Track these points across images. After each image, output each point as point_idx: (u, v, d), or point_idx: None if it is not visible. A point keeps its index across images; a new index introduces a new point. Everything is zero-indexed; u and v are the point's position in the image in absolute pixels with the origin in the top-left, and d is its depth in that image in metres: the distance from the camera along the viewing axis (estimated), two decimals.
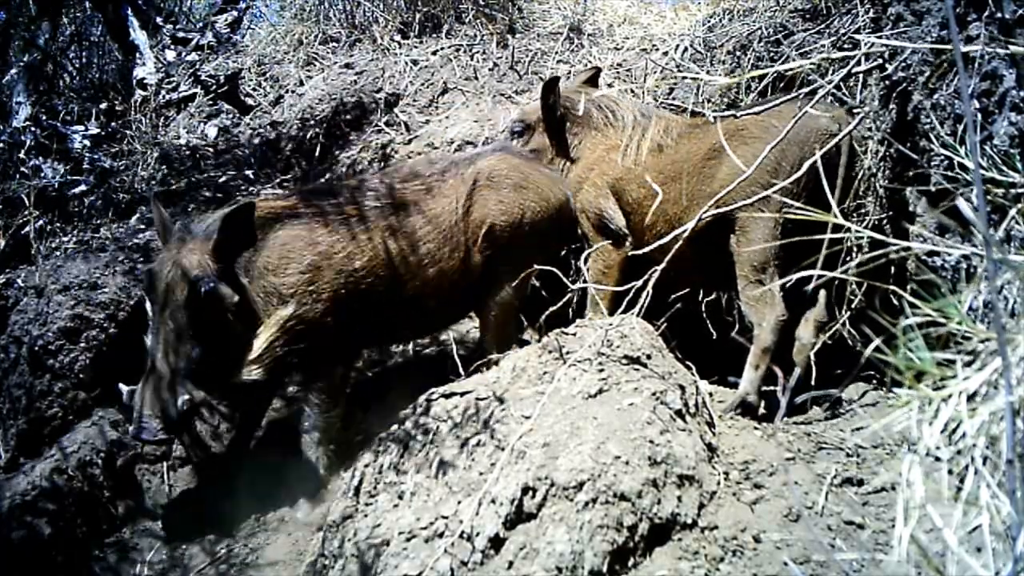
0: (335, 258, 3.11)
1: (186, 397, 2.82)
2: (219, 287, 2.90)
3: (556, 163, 3.75)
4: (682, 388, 2.37)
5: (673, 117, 3.73)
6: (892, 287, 2.11)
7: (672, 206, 3.29)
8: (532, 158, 3.69)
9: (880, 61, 2.99)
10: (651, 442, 2.10)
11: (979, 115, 2.26)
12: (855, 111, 3.28)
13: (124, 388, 2.94)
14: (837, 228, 2.78)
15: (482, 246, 3.38)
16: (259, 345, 2.98)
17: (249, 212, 2.95)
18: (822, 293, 3.13)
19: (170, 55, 5.64)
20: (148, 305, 3.00)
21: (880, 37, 2.77)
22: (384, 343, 3.74)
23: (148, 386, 2.82)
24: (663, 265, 2.75)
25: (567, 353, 2.47)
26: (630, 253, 3.31)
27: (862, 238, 2.91)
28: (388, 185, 3.36)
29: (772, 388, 2.99)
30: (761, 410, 2.98)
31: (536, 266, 3.18)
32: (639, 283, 2.76)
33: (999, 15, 2.20)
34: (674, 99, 4.30)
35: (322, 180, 4.50)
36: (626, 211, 3.48)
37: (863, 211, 3.20)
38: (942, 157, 2.41)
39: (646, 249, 3.01)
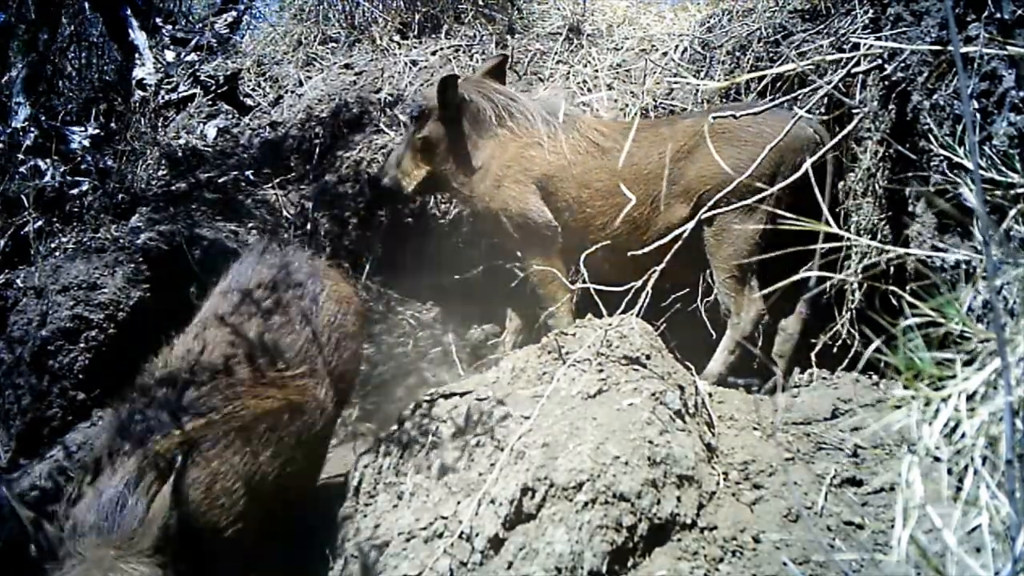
0: None
1: None
2: None
3: (448, 157, 3.58)
4: (681, 388, 2.37)
5: (595, 119, 3.69)
6: (891, 287, 2.11)
7: (631, 208, 3.25)
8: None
9: (879, 61, 2.99)
10: (650, 442, 2.10)
11: (978, 115, 2.25)
12: (854, 111, 3.28)
13: None
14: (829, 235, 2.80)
15: None
16: None
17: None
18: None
19: (169, 55, 5.63)
20: None
21: (880, 38, 2.77)
22: None
23: None
24: (661, 266, 2.74)
25: (566, 353, 2.47)
26: (629, 254, 3.32)
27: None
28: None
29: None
30: (762, 398, 2.98)
31: None
32: (638, 283, 2.75)
33: (998, 15, 2.20)
34: (673, 100, 4.30)
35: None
36: (559, 208, 3.41)
37: (862, 212, 3.22)
38: (941, 157, 2.41)
39: (646, 249, 3.00)
